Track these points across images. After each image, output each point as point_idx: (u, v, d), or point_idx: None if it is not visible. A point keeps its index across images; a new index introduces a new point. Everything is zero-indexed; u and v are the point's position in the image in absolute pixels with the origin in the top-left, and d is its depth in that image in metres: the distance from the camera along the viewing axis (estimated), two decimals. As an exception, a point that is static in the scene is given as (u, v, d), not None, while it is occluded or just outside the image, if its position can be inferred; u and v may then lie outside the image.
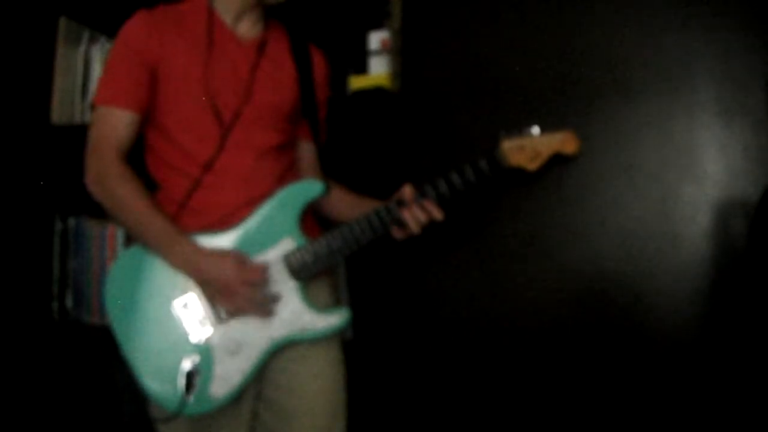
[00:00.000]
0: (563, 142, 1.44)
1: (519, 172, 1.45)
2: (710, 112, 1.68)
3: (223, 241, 1.38)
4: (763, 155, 1.64)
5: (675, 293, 1.70)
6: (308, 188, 1.44)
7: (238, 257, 1.35)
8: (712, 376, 1.66)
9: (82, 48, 2.07)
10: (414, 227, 1.41)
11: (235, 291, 1.33)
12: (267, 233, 1.40)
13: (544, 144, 1.44)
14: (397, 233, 1.45)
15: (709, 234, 1.68)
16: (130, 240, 1.44)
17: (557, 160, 1.47)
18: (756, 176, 1.64)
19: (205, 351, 1.35)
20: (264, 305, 1.36)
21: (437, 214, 1.41)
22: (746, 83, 1.65)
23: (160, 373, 1.34)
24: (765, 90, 1.63)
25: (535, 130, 1.44)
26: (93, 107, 1.41)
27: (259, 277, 1.35)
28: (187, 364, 1.34)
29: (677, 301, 1.70)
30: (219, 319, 1.36)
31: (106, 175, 1.35)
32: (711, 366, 1.66)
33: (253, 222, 1.40)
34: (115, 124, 1.37)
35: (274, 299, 1.37)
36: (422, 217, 1.41)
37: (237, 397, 1.38)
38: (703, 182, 1.69)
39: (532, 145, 1.44)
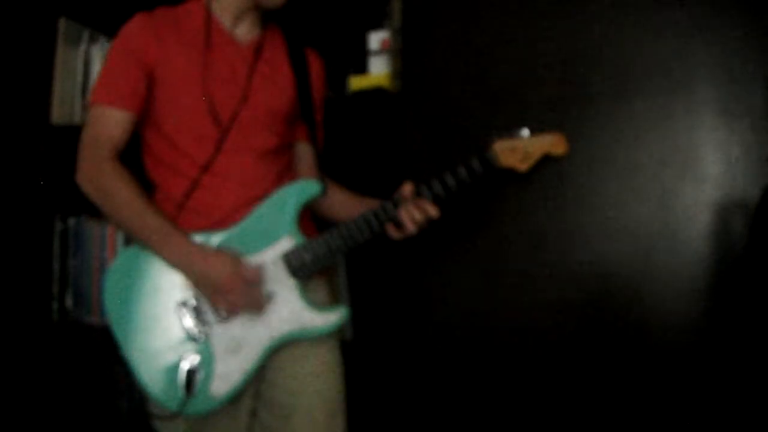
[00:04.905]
0: (553, 143, 1.46)
1: (510, 172, 1.47)
2: (710, 112, 1.68)
3: (221, 240, 1.38)
4: (763, 155, 1.64)
5: (675, 293, 1.70)
6: (305, 188, 1.44)
7: (233, 256, 1.35)
8: (712, 375, 1.66)
9: (82, 48, 2.08)
10: (411, 226, 1.42)
11: (230, 290, 1.33)
12: (265, 233, 1.40)
13: (534, 145, 1.46)
14: (394, 233, 1.45)
15: (709, 234, 1.68)
16: (130, 240, 1.44)
17: (547, 161, 1.48)
18: (756, 176, 1.64)
19: (205, 350, 1.35)
20: (258, 305, 1.36)
21: (433, 212, 1.42)
22: (746, 83, 1.65)
23: (160, 373, 1.34)
24: (765, 90, 1.63)
25: (525, 132, 1.46)
26: (89, 107, 1.41)
27: (255, 276, 1.36)
28: (186, 364, 1.34)
29: (677, 301, 1.70)
30: (219, 318, 1.36)
31: (101, 172, 1.34)
32: (711, 366, 1.66)
33: (250, 221, 1.40)
34: (110, 123, 1.37)
35: (269, 299, 1.38)
36: (418, 215, 1.41)
37: (237, 396, 1.38)
38: (703, 182, 1.69)
39: (522, 146, 1.45)
